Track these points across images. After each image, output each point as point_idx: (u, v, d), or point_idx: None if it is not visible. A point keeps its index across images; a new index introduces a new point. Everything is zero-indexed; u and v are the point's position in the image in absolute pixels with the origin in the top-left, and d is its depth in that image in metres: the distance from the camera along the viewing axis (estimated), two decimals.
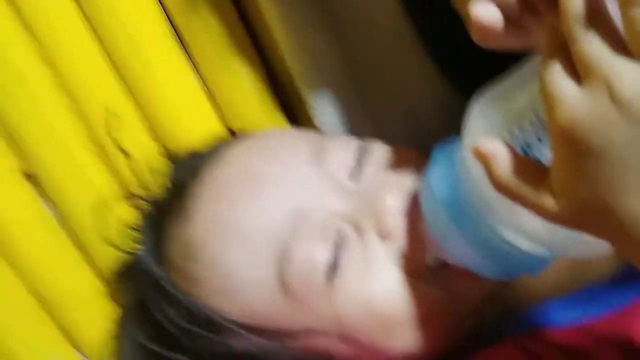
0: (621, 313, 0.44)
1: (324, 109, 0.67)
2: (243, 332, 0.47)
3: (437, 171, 0.44)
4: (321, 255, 0.45)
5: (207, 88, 0.68)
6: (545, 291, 0.48)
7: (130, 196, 0.60)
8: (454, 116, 0.71)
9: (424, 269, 0.46)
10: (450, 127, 0.72)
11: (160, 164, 0.61)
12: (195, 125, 0.66)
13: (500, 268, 0.41)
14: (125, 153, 0.64)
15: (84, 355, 0.67)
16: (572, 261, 0.47)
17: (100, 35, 0.64)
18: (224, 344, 0.48)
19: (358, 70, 0.67)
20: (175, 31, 0.65)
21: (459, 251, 0.42)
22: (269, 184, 0.48)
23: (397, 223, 0.46)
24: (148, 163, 0.61)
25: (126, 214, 0.60)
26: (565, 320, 0.45)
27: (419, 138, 0.70)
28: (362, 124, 0.68)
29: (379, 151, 0.51)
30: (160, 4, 0.64)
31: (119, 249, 0.57)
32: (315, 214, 0.46)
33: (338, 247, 0.46)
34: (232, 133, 0.69)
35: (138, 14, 0.63)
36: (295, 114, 0.70)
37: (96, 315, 0.64)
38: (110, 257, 0.58)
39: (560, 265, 0.47)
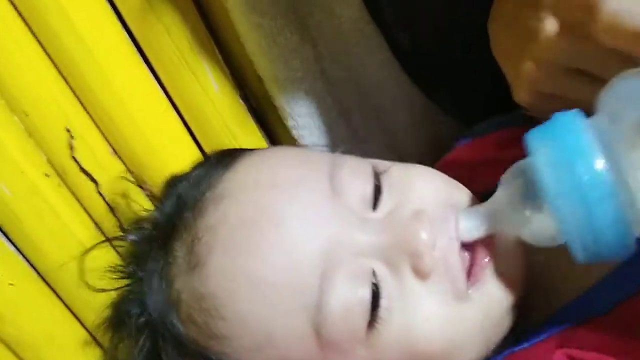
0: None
1: (298, 115, 0.65)
2: None
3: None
4: (359, 299, 0.43)
5: (170, 97, 0.63)
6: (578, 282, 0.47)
7: (113, 240, 0.55)
8: (422, 115, 0.73)
9: (465, 291, 0.44)
10: (419, 125, 0.73)
11: (129, 188, 0.56)
12: (162, 136, 0.62)
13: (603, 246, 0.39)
14: (90, 177, 0.59)
15: None
16: None
17: (51, 49, 0.57)
18: None
19: (330, 75, 0.65)
20: (136, 43, 0.60)
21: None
22: (289, 228, 0.44)
23: (434, 259, 0.44)
24: (116, 187, 0.56)
25: (103, 252, 0.56)
26: (589, 315, 0.44)
27: (390, 135, 0.71)
28: (336, 127, 0.67)
29: (395, 172, 0.49)
30: (118, 16, 0.59)
31: (100, 290, 0.52)
32: (344, 255, 0.43)
33: (375, 289, 0.43)
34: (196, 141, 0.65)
35: (95, 26, 0.57)
36: (267, 121, 0.67)
37: (70, 355, 0.60)
38: (86, 300, 0.53)
39: None
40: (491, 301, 0.45)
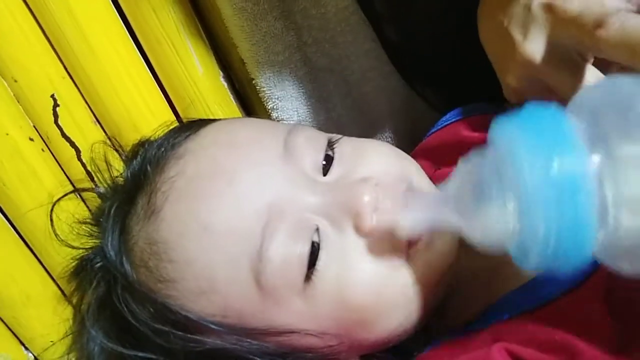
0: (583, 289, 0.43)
1: (278, 98, 0.67)
2: (218, 330, 0.46)
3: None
4: (298, 252, 0.45)
5: (155, 74, 0.66)
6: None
7: (81, 191, 0.57)
8: (403, 106, 0.74)
9: (403, 252, 0.46)
10: (399, 115, 0.75)
11: (108, 152, 0.58)
12: (144, 111, 0.65)
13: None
14: (72, 143, 0.61)
15: (34, 354, 0.64)
16: None
17: (43, 20, 0.61)
18: (199, 342, 0.47)
19: (313, 63, 0.67)
20: (123, 16, 0.63)
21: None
22: (240, 181, 0.46)
23: (375, 219, 0.45)
24: (95, 154, 0.58)
25: (76, 209, 0.58)
26: (529, 306, 0.45)
27: (369, 125, 0.72)
28: (316, 112, 0.69)
29: (348, 143, 0.51)
30: None
31: (72, 247, 0.55)
32: (289, 210, 0.46)
33: (315, 243, 0.45)
34: (179, 118, 0.67)
35: (86, 1, 0.60)
36: (249, 103, 0.69)
37: (47, 314, 0.62)
38: (62, 255, 0.56)
39: None
40: (427, 267, 0.47)
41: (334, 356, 0.49)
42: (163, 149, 0.51)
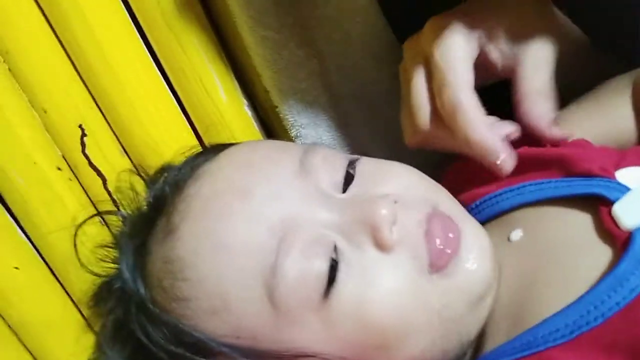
0: (624, 313, 0.41)
1: (301, 125, 0.67)
2: (231, 353, 0.45)
3: None
4: (315, 270, 0.44)
5: (181, 103, 0.67)
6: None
7: (104, 214, 0.58)
8: None
9: (426, 271, 0.45)
10: None
11: (134, 181, 0.59)
12: (170, 141, 0.65)
13: None
14: (99, 172, 0.63)
15: None
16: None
17: (72, 52, 0.63)
18: None
19: (337, 89, 0.67)
20: (149, 46, 0.64)
21: None
22: (253, 197, 0.46)
23: (394, 233, 0.45)
24: (121, 182, 0.59)
25: (101, 235, 0.59)
26: (569, 335, 0.41)
27: (395, 151, 0.71)
28: (341, 139, 0.69)
29: (370, 162, 0.50)
30: (137, 26, 0.64)
31: (94, 273, 0.55)
32: (304, 225, 0.45)
33: (333, 260, 0.44)
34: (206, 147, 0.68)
35: (111, 29, 0.62)
36: (273, 131, 0.69)
37: (69, 341, 0.63)
38: (85, 281, 0.56)
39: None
40: (454, 290, 0.45)
41: None
42: (183, 172, 0.52)
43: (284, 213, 0.45)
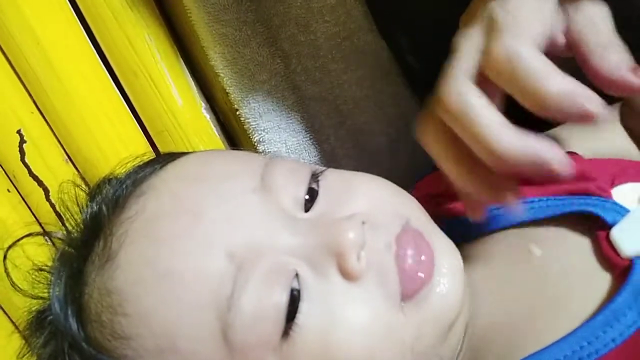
0: (619, 351, 0.38)
1: (264, 129, 0.62)
2: None
3: None
4: (274, 303, 0.39)
5: (132, 107, 0.61)
6: None
7: (43, 234, 0.52)
8: (402, 137, 0.69)
9: (397, 300, 0.40)
10: (398, 147, 0.70)
11: (79, 193, 0.53)
12: (119, 147, 0.60)
13: None
14: (40, 182, 0.57)
15: None
16: None
17: (8, 50, 0.57)
18: None
19: (304, 92, 0.62)
20: (97, 46, 0.59)
21: None
22: (207, 219, 0.41)
23: (362, 259, 0.40)
24: (64, 194, 0.53)
25: (44, 254, 0.53)
26: None
27: (367, 157, 0.67)
28: (307, 144, 0.64)
29: (335, 176, 0.45)
30: (83, 23, 0.59)
31: (34, 297, 0.49)
32: (264, 252, 0.40)
33: (294, 292, 0.39)
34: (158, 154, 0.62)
35: (53, 24, 0.57)
36: (234, 135, 0.64)
37: None
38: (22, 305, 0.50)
39: None
40: (427, 320, 0.41)
41: None
42: (124, 187, 0.46)
43: (242, 238, 0.40)
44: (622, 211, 0.41)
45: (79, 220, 0.50)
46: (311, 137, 0.64)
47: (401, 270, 0.41)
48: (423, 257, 0.41)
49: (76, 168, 0.59)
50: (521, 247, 0.45)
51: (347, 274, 0.40)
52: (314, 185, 0.44)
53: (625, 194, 0.43)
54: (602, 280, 0.40)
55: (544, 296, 0.42)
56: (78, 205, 0.52)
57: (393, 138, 0.66)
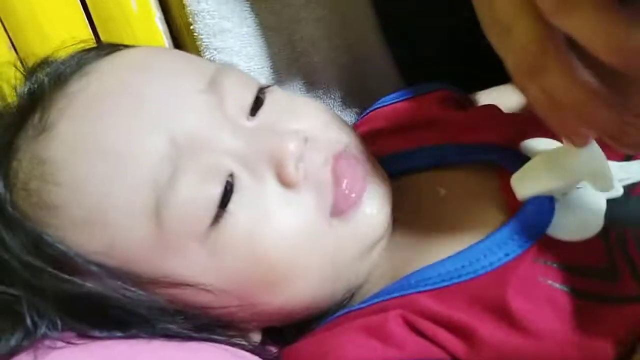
0: (494, 274, 0.41)
1: (216, 49, 0.61)
2: (99, 272, 0.40)
3: None
4: (208, 194, 0.40)
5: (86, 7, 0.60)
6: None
7: None
8: (351, 79, 0.69)
9: (328, 213, 0.42)
10: (346, 86, 0.70)
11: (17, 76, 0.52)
12: (64, 37, 0.58)
13: None
14: None
15: None
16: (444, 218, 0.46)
17: None
18: (74, 283, 0.41)
19: (261, 22, 0.61)
20: None
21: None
22: (152, 104, 0.41)
23: (300, 170, 0.42)
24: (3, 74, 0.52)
25: None
26: (439, 283, 0.42)
27: (313, 92, 0.67)
28: (257, 69, 0.63)
29: (282, 93, 0.47)
30: None
31: None
32: (207, 148, 0.41)
33: (228, 188, 0.41)
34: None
35: None
36: (185, 49, 0.63)
37: None
38: None
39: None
40: (351, 236, 0.43)
41: (231, 321, 0.44)
42: (67, 66, 0.46)
43: (186, 128, 0.41)
44: (525, 160, 0.43)
45: (13, 98, 0.49)
46: (263, 65, 0.64)
47: (336, 187, 0.43)
48: (357, 180, 0.44)
49: (17, 54, 0.57)
50: (429, 187, 0.49)
51: (284, 181, 0.42)
52: (260, 96, 0.45)
53: (535, 145, 0.46)
54: (497, 217, 0.43)
55: (441, 226, 0.45)
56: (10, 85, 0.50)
57: (343, 81, 0.66)
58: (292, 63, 0.65)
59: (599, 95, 0.31)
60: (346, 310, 0.44)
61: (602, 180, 0.40)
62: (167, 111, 0.41)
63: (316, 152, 0.43)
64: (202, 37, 0.60)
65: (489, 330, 0.39)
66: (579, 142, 0.36)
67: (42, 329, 0.41)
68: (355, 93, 0.67)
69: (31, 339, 0.41)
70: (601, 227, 0.40)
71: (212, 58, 0.61)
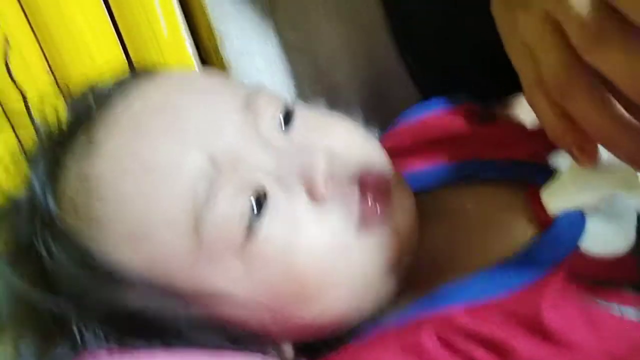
0: (528, 289, 0.42)
1: (244, 74, 0.64)
2: (141, 284, 0.42)
3: None
4: (242, 209, 0.42)
5: (119, 32, 0.63)
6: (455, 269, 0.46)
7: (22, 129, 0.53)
8: (373, 96, 0.72)
9: (356, 227, 0.44)
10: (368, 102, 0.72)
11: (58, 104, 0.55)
12: (99, 60, 0.62)
13: None
14: (19, 87, 0.58)
15: None
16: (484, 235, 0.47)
17: None
18: (117, 297, 0.43)
19: (285, 41, 0.65)
20: None
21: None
22: (192, 123, 0.43)
23: (329, 187, 0.43)
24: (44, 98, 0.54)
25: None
26: (473, 298, 0.43)
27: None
28: (284, 90, 0.66)
29: (306, 110, 0.48)
30: None
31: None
32: (243, 165, 0.43)
33: (262, 203, 0.42)
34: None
35: None
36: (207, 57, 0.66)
37: None
38: None
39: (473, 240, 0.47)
40: (379, 249, 0.44)
41: (265, 335, 0.45)
42: (111, 88, 0.48)
43: (224, 146, 0.43)
44: (553, 174, 0.44)
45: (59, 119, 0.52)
46: (287, 83, 0.67)
47: (362, 201, 0.44)
48: (382, 195, 0.45)
49: (56, 80, 0.60)
50: (457, 202, 0.50)
51: (314, 196, 0.43)
52: (290, 113, 0.47)
53: (565, 159, 0.45)
54: (527, 232, 0.44)
55: (470, 240, 0.46)
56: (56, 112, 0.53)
57: (365, 97, 0.68)
58: (315, 81, 0.68)
59: (629, 127, 0.34)
60: (377, 324, 0.45)
61: (636, 188, 0.41)
62: (206, 129, 0.43)
63: (344, 167, 0.45)
64: (230, 57, 0.63)
65: (524, 346, 0.39)
66: (590, 163, 0.38)
67: (87, 340, 0.43)
68: (376, 108, 0.69)
69: (77, 350, 0.43)
70: (633, 241, 0.42)
71: (239, 78, 0.64)
